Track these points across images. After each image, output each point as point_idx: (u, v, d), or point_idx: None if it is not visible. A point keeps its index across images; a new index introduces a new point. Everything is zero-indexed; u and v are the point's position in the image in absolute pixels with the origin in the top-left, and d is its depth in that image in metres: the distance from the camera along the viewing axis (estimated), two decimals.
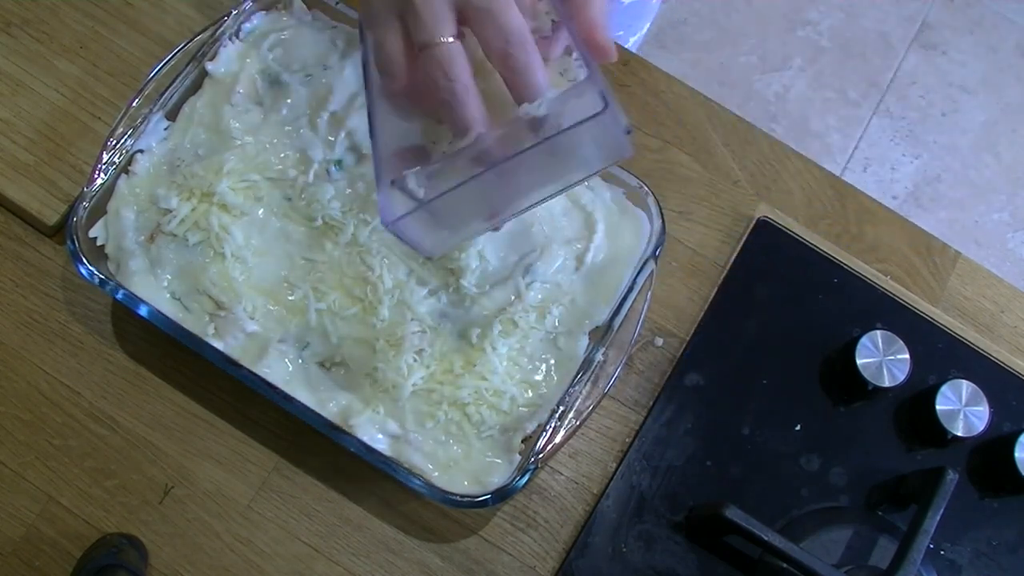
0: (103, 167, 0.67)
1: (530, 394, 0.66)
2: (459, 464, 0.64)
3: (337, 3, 0.74)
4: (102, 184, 0.67)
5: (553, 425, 0.64)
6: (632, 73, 0.81)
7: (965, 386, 0.70)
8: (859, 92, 1.96)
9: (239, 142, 0.69)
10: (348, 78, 0.71)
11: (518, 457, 0.64)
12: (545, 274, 0.68)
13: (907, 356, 0.70)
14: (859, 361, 0.70)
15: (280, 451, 0.69)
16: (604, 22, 0.54)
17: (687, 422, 0.71)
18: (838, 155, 1.92)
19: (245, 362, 0.64)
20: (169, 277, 0.67)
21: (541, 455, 0.63)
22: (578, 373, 0.66)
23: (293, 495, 0.68)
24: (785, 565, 0.64)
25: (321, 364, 0.67)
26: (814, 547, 0.66)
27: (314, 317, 0.66)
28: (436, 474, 0.64)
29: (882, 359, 0.70)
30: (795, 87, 1.95)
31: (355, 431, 0.63)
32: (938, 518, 0.64)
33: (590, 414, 0.65)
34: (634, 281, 0.68)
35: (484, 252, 0.67)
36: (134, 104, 0.68)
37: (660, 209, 0.70)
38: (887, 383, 0.69)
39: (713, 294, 0.74)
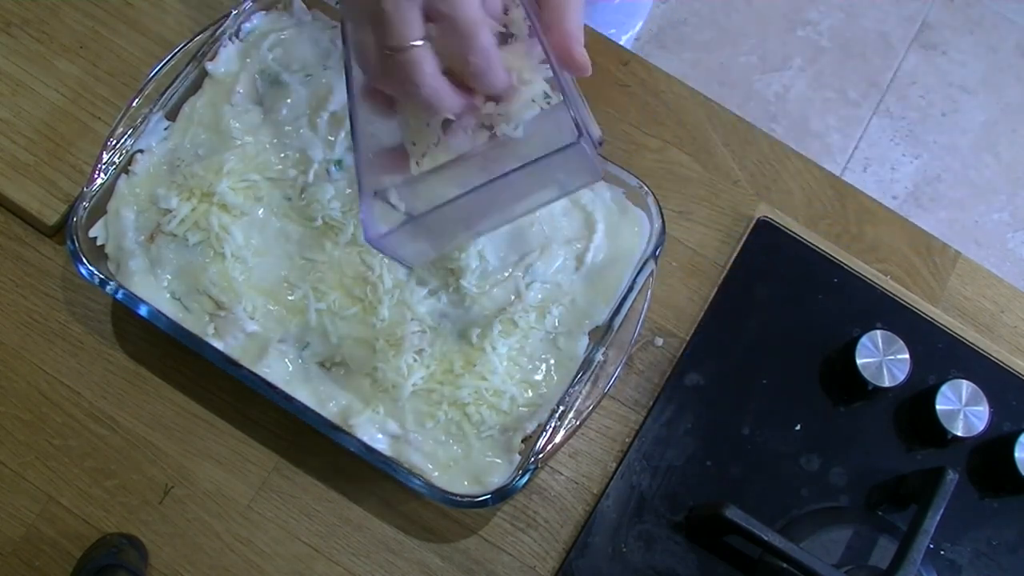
0: (103, 167, 0.67)
1: (530, 394, 0.66)
2: (459, 464, 0.64)
3: (337, 3, 0.74)
4: (102, 184, 0.67)
5: (553, 425, 0.64)
6: (632, 73, 0.81)
7: (965, 386, 0.70)
8: (859, 92, 1.96)
9: (239, 142, 0.69)
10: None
11: (518, 457, 0.64)
12: (545, 274, 0.68)
13: (907, 356, 0.70)
14: (859, 361, 0.70)
15: (280, 451, 0.69)
16: (580, 36, 0.54)
17: (687, 422, 0.71)
18: (838, 155, 1.92)
19: (245, 362, 0.64)
20: (169, 277, 0.67)
21: (541, 455, 0.63)
22: (578, 373, 0.66)
23: (293, 495, 0.68)
24: (785, 565, 0.64)
25: (321, 364, 0.67)
26: (814, 547, 0.66)
27: (314, 317, 0.66)
28: (436, 474, 0.64)
29: (882, 359, 0.70)
30: (795, 87, 1.95)
31: (355, 431, 0.63)
32: (938, 518, 0.64)
33: (590, 414, 0.65)
34: (634, 281, 0.68)
35: (484, 252, 0.67)
36: (134, 104, 0.68)
37: (660, 209, 0.70)
38: (887, 383, 0.69)
39: (713, 294, 0.74)
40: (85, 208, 0.66)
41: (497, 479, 0.64)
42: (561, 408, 0.64)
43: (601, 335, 0.67)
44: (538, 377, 0.67)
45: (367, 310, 0.66)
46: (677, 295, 0.75)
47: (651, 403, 0.71)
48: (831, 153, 1.92)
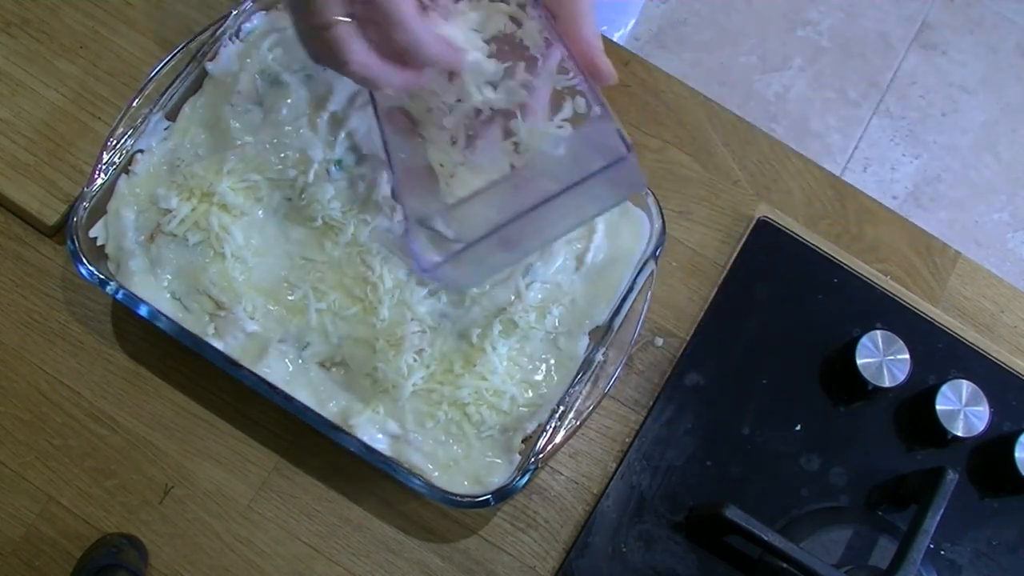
0: (103, 167, 0.67)
1: (530, 394, 0.66)
2: (459, 464, 0.64)
3: None
4: (102, 184, 0.67)
5: (553, 425, 0.64)
6: (632, 73, 0.81)
7: (965, 386, 0.70)
8: (859, 92, 1.96)
9: (239, 142, 0.69)
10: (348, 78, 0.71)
11: (518, 457, 0.64)
12: (545, 274, 0.68)
13: (907, 356, 0.70)
14: (859, 361, 0.70)
15: (280, 451, 0.69)
16: (600, 44, 0.54)
17: (687, 422, 0.71)
18: (838, 155, 1.92)
19: (245, 362, 0.64)
20: (169, 277, 0.67)
21: (541, 455, 0.63)
22: (578, 373, 0.66)
23: (293, 495, 0.68)
24: (785, 565, 0.64)
25: (321, 364, 0.67)
26: (814, 547, 0.66)
27: (314, 317, 0.66)
28: (436, 474, 0.64)
29: (882, 359, 0.70)
30: (795, 87, 1.95)
31: (355, 431, 0.63)
32: (938, 518, 0.64)
33: (590, 414, 0.65)
34: (634, 281, 0.68)
35: None
36: (134, 104, 0.68)
37: (660, 209, 0.69)
38: (887, 383, 0.69)
39: (713, 294, 0.74)
40: (85, 208, 0.66)
41: (497, 479, 0.64)
42: (561, 408, 0.64)
43: (601, 335, 0.67)
44: (538, 377, 0.67)
45: (367, 310, 0.66)
46: (677, 295, 0.75)
47: (651, 403, 0.71)
48: (831, 153, 1.92)
